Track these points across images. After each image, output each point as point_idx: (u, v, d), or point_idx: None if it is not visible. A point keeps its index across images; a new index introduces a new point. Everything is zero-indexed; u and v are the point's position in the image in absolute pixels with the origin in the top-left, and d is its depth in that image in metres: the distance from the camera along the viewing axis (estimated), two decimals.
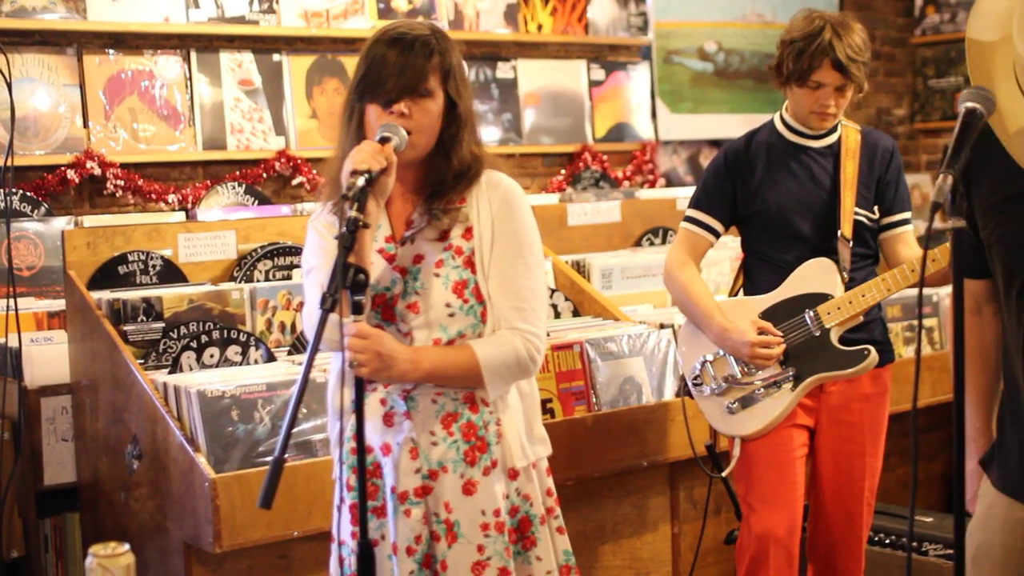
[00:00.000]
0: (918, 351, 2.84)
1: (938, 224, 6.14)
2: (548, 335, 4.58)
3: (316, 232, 3.21)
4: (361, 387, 2.88)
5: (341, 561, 3.19)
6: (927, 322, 5.73)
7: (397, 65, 3.05)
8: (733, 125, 7.28)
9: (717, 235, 4.22)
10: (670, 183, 7.47)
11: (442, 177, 3.14)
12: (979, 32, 2.80)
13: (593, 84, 7.25)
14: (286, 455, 2.65)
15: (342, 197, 2.86)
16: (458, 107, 3.14)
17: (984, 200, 2.96)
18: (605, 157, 7.14)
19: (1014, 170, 2.82)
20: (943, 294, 5.76)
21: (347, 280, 2.77)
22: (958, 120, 2.79)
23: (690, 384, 4.24)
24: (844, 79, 4.03)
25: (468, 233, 3.14)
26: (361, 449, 2.81)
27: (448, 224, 3.13)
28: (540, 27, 7.03)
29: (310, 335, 3.08)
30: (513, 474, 3.15)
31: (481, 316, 3.10)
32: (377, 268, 3.12)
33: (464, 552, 3.09)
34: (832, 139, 4.17)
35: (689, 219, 4.23)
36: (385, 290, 3.12)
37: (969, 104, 2.79)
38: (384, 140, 3.00)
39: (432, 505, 3.11)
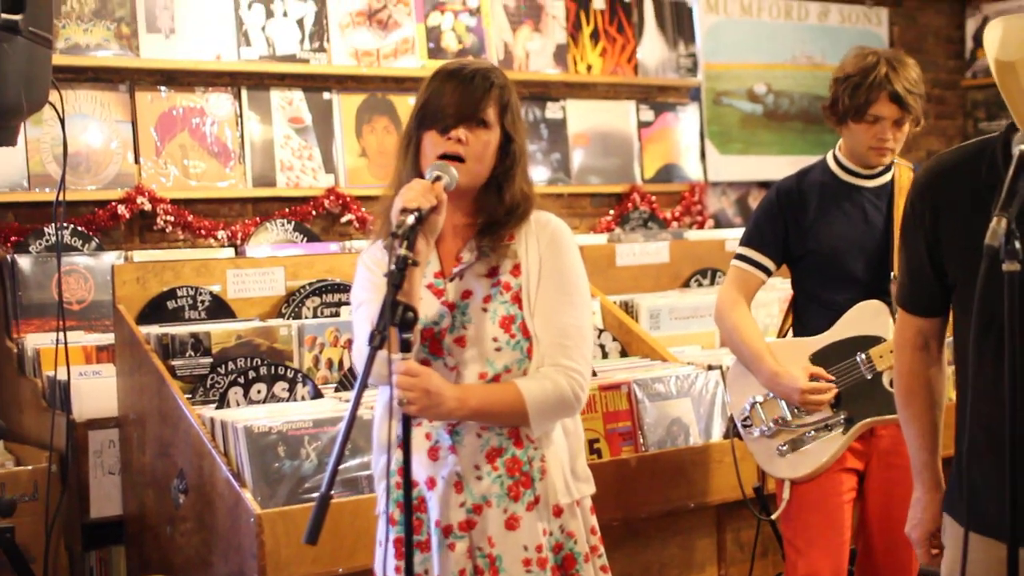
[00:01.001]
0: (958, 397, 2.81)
1: None
2: (595, 375, 4.56)
3: (366, 268, 3.22)
4: (408, 422, 2.88)
5: None
6: None
7: (456, 93, 3.08)
8: (782, 167, 7.24)
9: (769, 273, 4.19)
10: (719, 224, 7.45)
11: (493, 212, 3.14)
12: (1007, 53, 2.79)
13: (642, 125, 7.25)
14: (332, 491, 2.64)
15: (392, 235, 2.86)
16: (513, 143, 3.15)
17: (961, 239, 2.93)
18: (654, 198, 7.14)
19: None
20: None
21: (396, 318, 2.77)
22: (1012, 162, 2.76)
23: (739, 425, 4.21)
24: (901, 112, 4.00)
25: (516, 270, 3.14)
26: (407, 484, 2.81)
27: (497, 261, 3.14)
28: (589, 68, 7.04)
29: (359, 370, 3.08)
30: (557, 511, 3.14)
31: (527, 352, 3.10)
32: (426, 302, 3.12)
33: None
34: (886, 179, 4.13)
35: (740, 256, 4.20)
36: (433, 324, 3.12)
37: (1023, 147, 2.77)
38: (436, 179, 3.00)
39: (476, 539, 3.10)
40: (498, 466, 3.10)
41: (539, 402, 3.06)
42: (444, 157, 3.07)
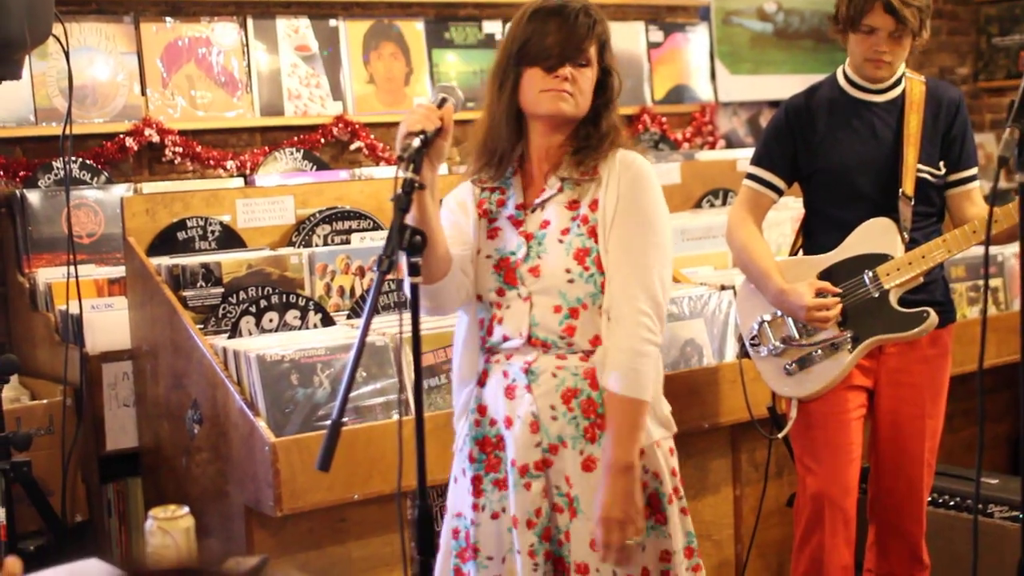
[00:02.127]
0: (984, 312, 2.81)
1: (1003, 184, 6.06)
2: None
3: (447, 208, 3.25)
4: (416, 293, 2.85)
5: (456, 533, 3.23)
6: (992, 282, 5.66)
7: (561, 32, 3.10)
8: (793, 86, 7.14)
9: (780, 192, 4.16)
10: (730, 145, 7.40)
11: (587, 137, 3.16)
12: None
13: (652, 46, 7.19)
14: (344, 418, 2.65)
15: (398, 159, 2.86)
16: (611, 76, 3.19)
17: None
18: (664, 119, 7.08)
19: None
20: (1008, 254, 5.68)
21: (404, 242, 2.76)
22: None
23: (748, 344, 4.20)
24: (896, 23, 3.93)
25: (595, 205, 3.14)
26: (418, 381, 2.81)
27: (579, 194, 3.15)
28: None
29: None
30: (639, 451, 3.11)
31: (601, 286, 3.10)
32: (505, 234, 3.17)
33: (584, 528, 3.09)
34: (896, 92, 4.08)
35: (751, 176, 4.17)
36: (510, 254, 3.15)
37: None
38: (442, 102, 2.98)
39: (553, 478, 3.11)
40: (573, 407, 3.11)
41: (642, 386, 3.05)
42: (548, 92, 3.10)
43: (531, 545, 3.09)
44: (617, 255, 3.09)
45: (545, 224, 3.15)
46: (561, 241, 3.12)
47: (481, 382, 3.20)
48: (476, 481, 3.17)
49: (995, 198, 2.76)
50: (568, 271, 3.09)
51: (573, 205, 3.15)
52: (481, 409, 3.18)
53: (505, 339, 3.14)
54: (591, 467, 3.08)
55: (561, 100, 3.09)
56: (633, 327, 3.05)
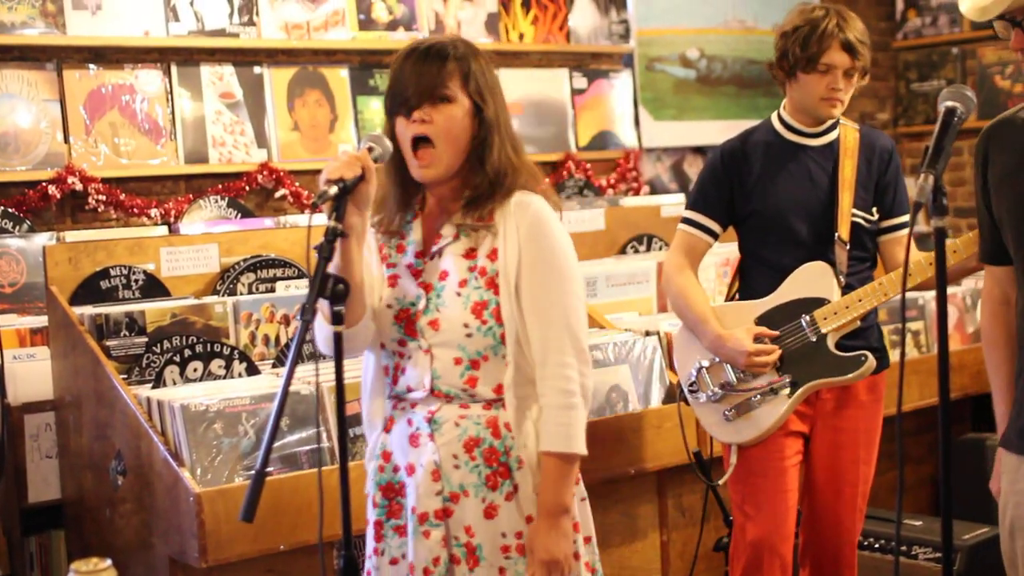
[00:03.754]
0: (902, 355, 2.83)
1: (925, 227, 6.13)
2: None
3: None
4: (339, 343, 2.85)
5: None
6: (913, 325, 5.72)
7: (414, 73, 3.05)
8: (716, 132, 7.28)
9: (715, 236, 4.17)
10: (654, 191, 7.45)
11: (478, 185, 3.10)
12: None
13: (576, 92, 7.24)
14: (268, 468, 2.64)
15: (312, 205, 2.86)
16: (484, 110, 3.10)
17: (995, 177, 3.04)
18: (588, 165, 7.13)
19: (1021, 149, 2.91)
20: (928, 297, 5.74)
21: (326, 290, 2.76)
22: (938, 120, 2.80)
23: (686, 391, 4.19)
24: (852, 60, 3.98)
25: (493, 254, 3.10)
26: (342, 430, 2.80)
27: (475, 242, 3.11)
28: (521, 36, 7.02)
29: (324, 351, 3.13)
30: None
31: (500, 338, 3.07)
32: (404, 283, 3.14)
33: (486, 575, 3.08)
34: (831, 137, 4.12)
35: (686, 220, 4.17)
36: (410, 305, 3.12)
37: (949, 103, 2.82)
38: (369, 150, 2.99)
39: (453, 528, 3.09)
40: (476, 456, 3.08)
41: (572, 438, 3.06)
42: (415, 140, 3.04)
43: None
44: (533, 310, 3.07)
45: (444, 275, 3.11)
46: (459, 294, 3.08)
47: (387, 428, 3.18)
48: (378, 526, 3.16)
49: (910, 243, 2.81)
50: (466, 325, 3.06)
51: (470, 254, 3.11)
52: (386, 455, 3.17)
53: (410, 389, 3.13)
54: (493, 514, 3.08)
55: (424, 167, 3.06)
56: (559, 381, 3.06)
